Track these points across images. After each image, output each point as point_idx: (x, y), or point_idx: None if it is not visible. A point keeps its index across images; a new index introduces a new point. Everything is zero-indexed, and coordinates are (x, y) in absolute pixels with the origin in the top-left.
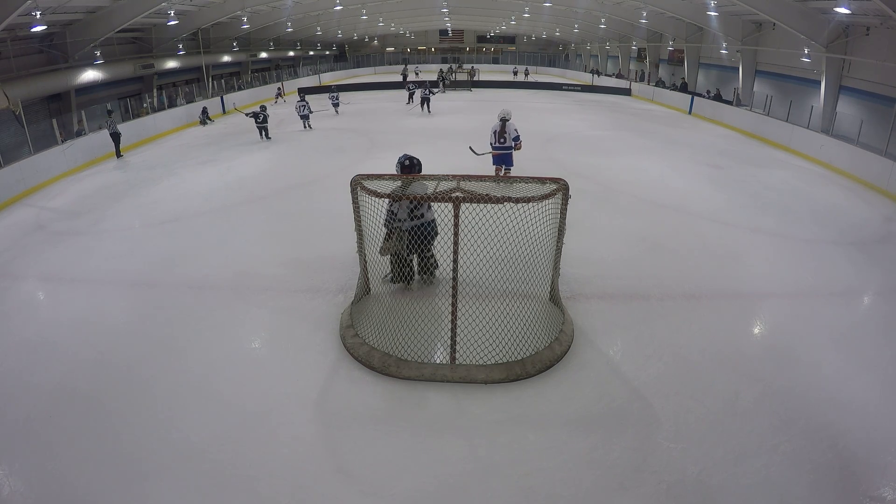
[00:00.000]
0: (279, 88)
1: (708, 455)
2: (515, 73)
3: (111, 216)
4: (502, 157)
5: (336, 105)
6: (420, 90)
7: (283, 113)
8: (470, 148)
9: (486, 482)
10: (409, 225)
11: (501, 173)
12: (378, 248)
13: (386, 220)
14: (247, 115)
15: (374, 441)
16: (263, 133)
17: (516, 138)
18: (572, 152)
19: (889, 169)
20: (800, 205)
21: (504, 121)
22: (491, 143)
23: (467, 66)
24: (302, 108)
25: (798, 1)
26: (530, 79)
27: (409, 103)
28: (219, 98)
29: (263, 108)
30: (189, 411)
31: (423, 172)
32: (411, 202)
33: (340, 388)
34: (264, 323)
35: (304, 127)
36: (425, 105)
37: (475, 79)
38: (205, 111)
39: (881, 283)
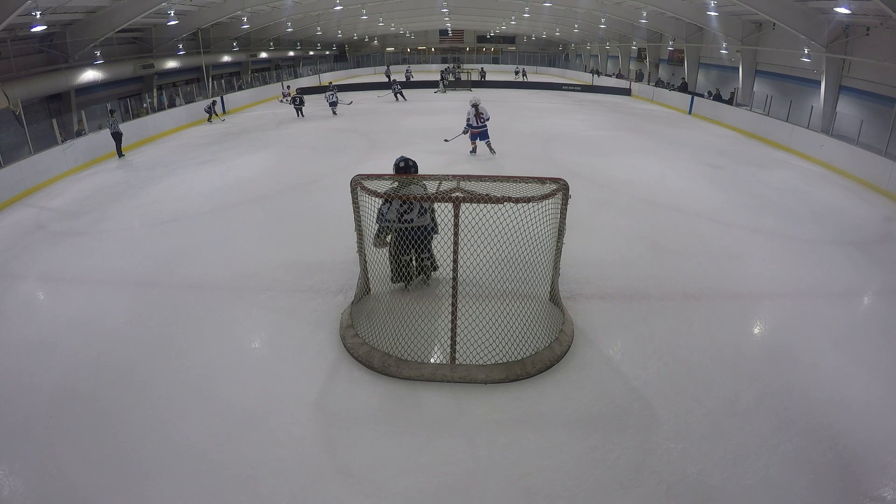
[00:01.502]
0: (287, 87)
1: (708, 455)
2: (517, 73)
3: (111, 216)
4: (483, 133)
5: (333, 104)
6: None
7: (282, 113)
8: (445, 140)
9: (486, 482)
10: (396, 227)
11: (476, 146)
12: (371, 241)
13: (376, 217)
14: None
15: (374, 441)
16: (300, 112)
17: (488, 118)
18: (572, 152)
19: (889, 169)
20: (800, 205)
21: (477, 106)
22: (470, 124)
23: (475, 67)
24: (331, 97)
25: (798, 1)
26: (524, 79)
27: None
28: (219, 98)
29: (213, 103)
30: (189, 411)
31: (424, 172)
32: (402, 204)
33: (340, 388)
34: (264, 323)
35: (333, 113)
36: (399, 96)
37: (484, 79)
38: (212, 106)
39: (881, 283)
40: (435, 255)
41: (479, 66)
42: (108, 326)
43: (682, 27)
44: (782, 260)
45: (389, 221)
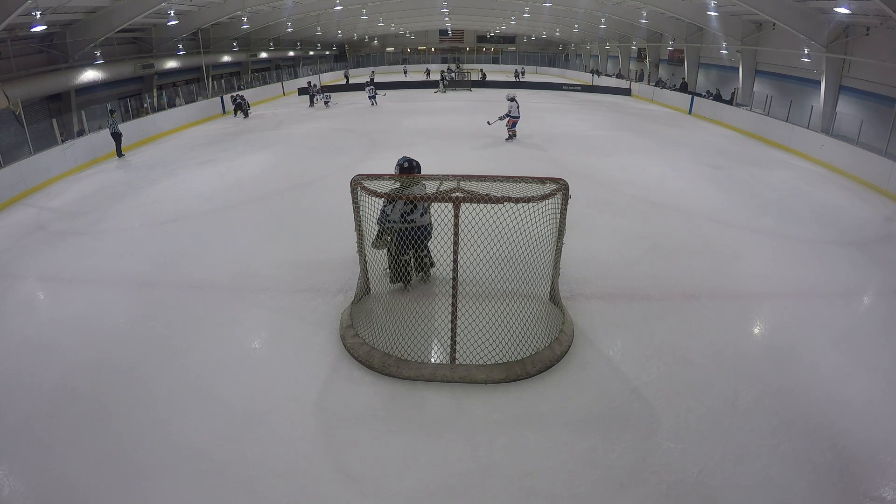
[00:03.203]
0: (235, 99)
1: (708, 455)
2: (517, 76)
3: (111, 216)
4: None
5: (372, 97)
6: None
7: (282, 113)
8: (487, 122)
9: (486, 482)
10: (398, 227)
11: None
12: (371, 242)
13: (378, 218)
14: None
15: (374, 441)
16: (242, 113)
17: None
18: (572, 152)
19: (889, 169)
20: (800, 205)
21: (515, 99)
22: (511, 113)
23: (474, 67)
24: (370, 91)
25: (798, 1)
26: (518, 79)
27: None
28: (219, 98)
29: (242, 97)
30: (189, 411)
31: (424, 172)
32: (405, 204)
33: (340, 388)
34: (264, 323)
35: (372, 104)
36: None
37: (485, 79)
38: (242, 101)
39: (881, 283)
40: (431, 252)
41: (477, 67)
42: (108, 326)
43: (682, 27)
44: (782, 260)
45: (393, 222)
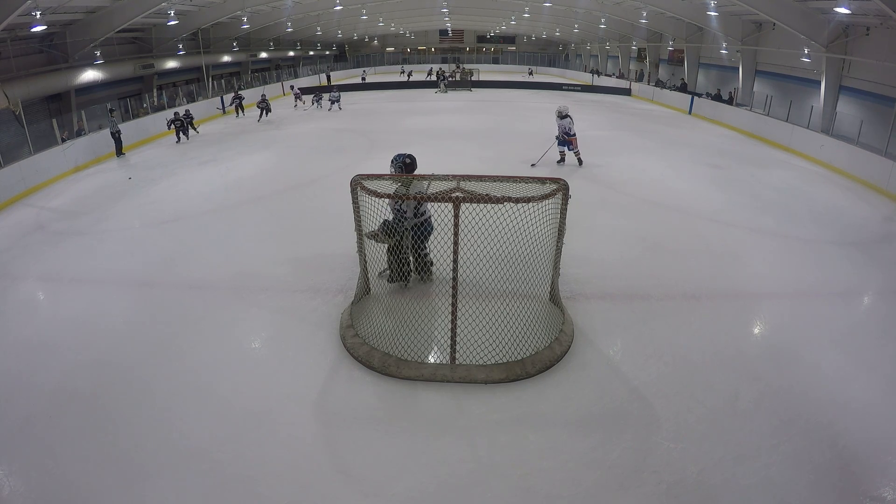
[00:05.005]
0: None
1: (708, 455)
2: (531, 73)
3: (111, 216)
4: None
5: (335, 101)
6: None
7: (282, 113)
8: (578, 162)
9: (486, 482)
10: (412, 222)
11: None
12: (369, 234)
13: (395, 218)
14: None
15: (374, 441)
16: (183, 134)
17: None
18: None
19: (889, 169)
20: (800, 205)
21: (570, 114)
22: (567, 132)
23: (475, 67)
24: (333, 96)
25: (798, 1)
26: (470, 78)
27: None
28: (219, 98)
29: (187, 112)
30: (189, 411)
31: (424, 173)
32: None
33: (340, 388)
34: (264, 323)
35: (332, 108)
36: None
37: (469, 79)
38: (186, 119)
39: (881, 283)
40: (430, 251)
41: (461, 66)
42: (108, 326)
43: (682, 27)
44: (782, 260)
45: (409, 219)
